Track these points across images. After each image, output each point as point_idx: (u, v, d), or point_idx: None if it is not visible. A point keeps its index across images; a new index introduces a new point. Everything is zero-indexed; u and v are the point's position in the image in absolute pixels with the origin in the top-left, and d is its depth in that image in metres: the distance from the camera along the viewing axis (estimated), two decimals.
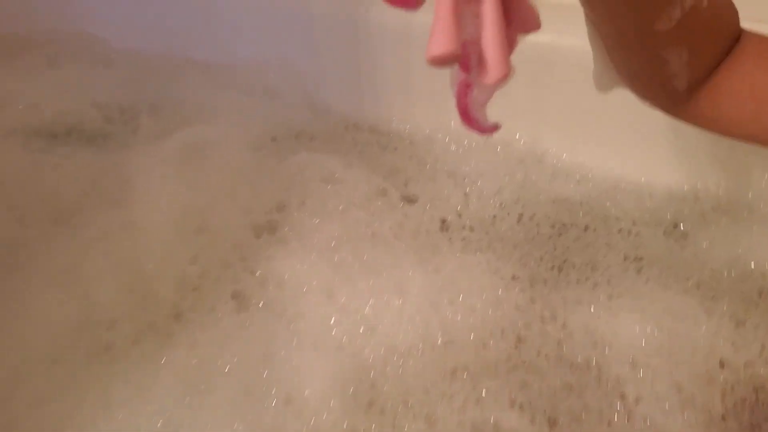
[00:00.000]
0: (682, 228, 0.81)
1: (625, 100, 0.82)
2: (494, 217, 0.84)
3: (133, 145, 0.93)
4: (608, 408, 0.63)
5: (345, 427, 0.62)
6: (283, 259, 0.76)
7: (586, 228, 0.82)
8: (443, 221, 0.83)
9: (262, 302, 0.73)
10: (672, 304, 0.73)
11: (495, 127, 0.39)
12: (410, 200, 0.85)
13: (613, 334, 0.71)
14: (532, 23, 0.36)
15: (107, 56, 1.12)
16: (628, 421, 0.62)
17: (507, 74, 0.33)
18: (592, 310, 0.73)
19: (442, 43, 0.32)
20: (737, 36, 0.47)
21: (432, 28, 0.32)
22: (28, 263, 0.76)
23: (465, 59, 0.34)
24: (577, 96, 0.84)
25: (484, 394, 0.64)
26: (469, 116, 0.38)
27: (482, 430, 0.62)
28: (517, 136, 0.90)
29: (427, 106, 0.94)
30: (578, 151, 0.88)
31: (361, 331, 0.69)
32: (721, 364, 0.66)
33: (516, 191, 0.86)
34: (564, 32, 0.80)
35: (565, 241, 0.81)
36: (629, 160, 0.86)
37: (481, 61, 0.34)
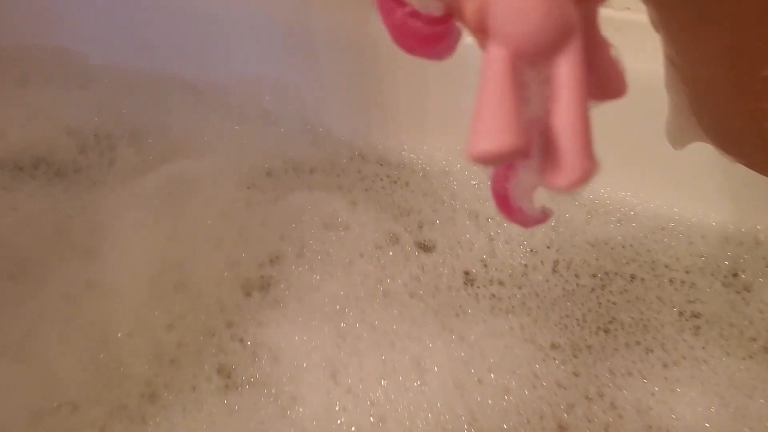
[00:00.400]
0: (743, 277, 0.70)
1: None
2: (525, 266, 0.72)
3: (107, 181, 0.82)
4: None
5: None
6: (279, 326, 0.65)
7: (633, 278, 0.71)
8: (467, 274, 0.71)
9: (252, 379, 0.62)
10: (737, 373, 0.62)
11: (545, 216, 0.27)
12: (426, 248, 0.74)
13: (671, 415, 0.59)
14: (615, 88, 0.25)
15: (84, 74, 1.01)
16: None
17: (590, 173, 0.22)
18: (644, 382, 0.62)
19: (497, 132, 0.20)
20: None
21: (478, 103, 0.21)
22: None
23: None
24: (617, 123, 0.73)
25: None
26: (509, 204, 0.26)
27: None
28: None
29: (443, 134, 0.83)
30: (618, 185, 0.77)
31: (371, 420, 0.57)
32: None
33: (548, 233, 0.75)
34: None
35: (610, 294, 0.69)
36: (677, 196, 0.76)
37: (547, 149, 0.22)
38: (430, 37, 0.24)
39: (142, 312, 0.66)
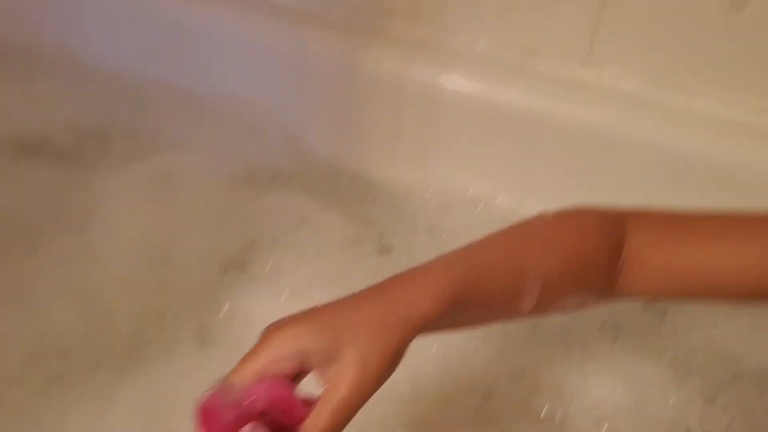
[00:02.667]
0: (660, 305, 0.84)
1: (610, 165, 0.86)
2: None
3: (103, 167, 0.94)
4: None
5: None
6: (251, 298, 0.77)
7: None
8: None
9: (226, 340, 0.73)
10: (644, 372, 0.75)
11: None
12: (385, 251, 0.87)
13: (582, 391, 0.72)
14: None
15: (87, 74, 1.13)
16: None
17: None
18: (563, 369, 0.75)
19: None
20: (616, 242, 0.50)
21: None
22: None
23: None
24: (562, 159, 0.88)
25: None
26: None
27: None
28: (499, 198, 0.93)
29: (412, 159, 0.97)
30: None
31: None
32: None
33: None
34: (553, 98, 0.85)
35: None
36: None
37: None
38: None
39: (130, 279, 0.78)
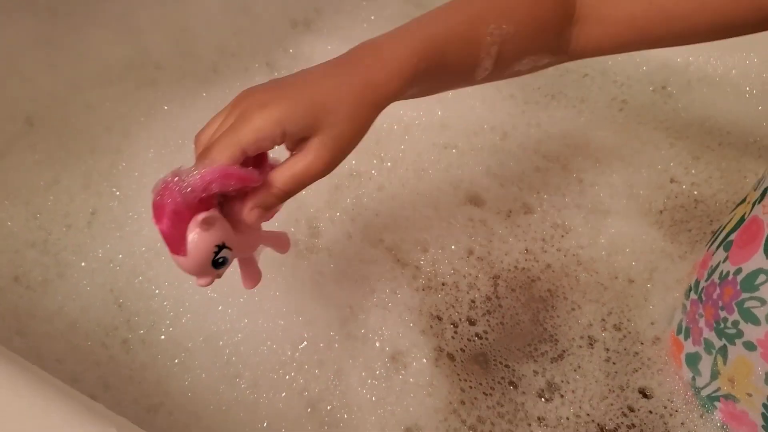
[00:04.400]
0: (668, 89, 0.96)
1: None
2: None
3: None
4: (566, 185, 0.79)
5: (353, 164, 0.81)
6: (316, 44, 0.92)
7: (585, 75, 0.98)
8: None
9: (292, 69, 0.88)
10: (641, 132, 0.89)
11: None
12: None
13: (585, 139, 0.87)
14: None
15: None
16: (580, 195, 0.79)
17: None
18: (571, 123, 0.89)
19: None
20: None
21: None
22: (82, 7, 0.88)
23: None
24: None
25: (467, 161, 0.81)
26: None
27: (458, 188, 0.79)
28: None
29: None
30: None
31: None
32: (672, 180, 0.83)
33: None
34: None
35: (565, 80, 0.96)
36: None
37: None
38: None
39: (213, 19, 0.92)
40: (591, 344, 0.67)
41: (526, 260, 0.74)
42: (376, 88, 0.45)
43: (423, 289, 0.71)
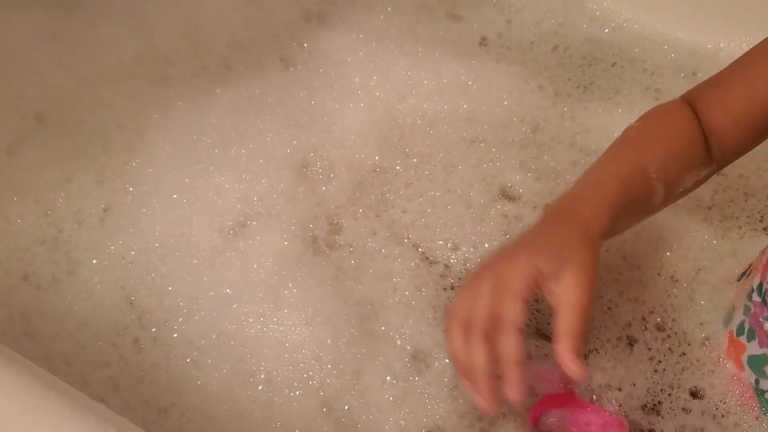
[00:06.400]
0: (700, 75, 0.93)
1: None
2: (532, 43, 0.97)
3: None
4: None
5: (376, 159, 0.79)
6: (331, 39, 0.90)
7: (614, 64, 0.94)
8: (483, 38, 0.96)
9: (308, 66, 0.87)
10: None
11: None
12: (455, 18, 0.98)
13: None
14: None
15: None
16: None
17: None
18: (608, 115, 0.86)
19: None
20: None
21: None
22: (93, 2, 0.87)
23: None
24: None
25: (497, 155, 0.78)
26: None
27: (491, 183, 0.77)
28: None
29: None
30: (619, 1, 1.00)
31: (395, 97, 0.83)
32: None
33: (555, 27, 0.99)
34: None
35: (594, 70, 0.93)
36: (663, 16, 0.98)
37: None
38: None
39: (224, 13, 0.91)
40: (630, 344, 0.64)
41: None
42: (591, 230, 0.51)
43: (452, 288, 0.69)
